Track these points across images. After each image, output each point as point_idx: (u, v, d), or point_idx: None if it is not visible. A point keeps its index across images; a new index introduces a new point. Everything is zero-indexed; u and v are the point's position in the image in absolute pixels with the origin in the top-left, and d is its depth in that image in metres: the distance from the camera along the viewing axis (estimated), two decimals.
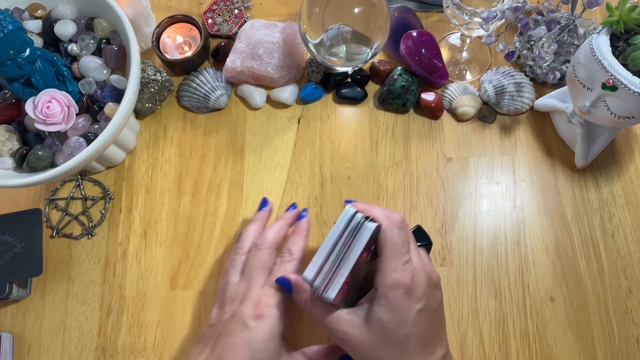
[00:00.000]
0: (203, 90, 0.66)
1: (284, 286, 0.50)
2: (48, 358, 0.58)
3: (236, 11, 0.71)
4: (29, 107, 0.55)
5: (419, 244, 0.50)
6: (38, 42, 0.60)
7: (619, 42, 0.50)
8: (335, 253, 0.45)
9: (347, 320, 0.46)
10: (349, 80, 0.67)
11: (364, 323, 0.45)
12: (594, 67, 0.50)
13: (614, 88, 0.49)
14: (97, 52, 0.61)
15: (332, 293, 0.44)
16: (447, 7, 0.58)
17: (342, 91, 0.66)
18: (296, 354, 0.50)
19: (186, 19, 0.68)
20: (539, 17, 0.60)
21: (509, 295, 0.57)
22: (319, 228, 0.61)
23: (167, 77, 0.66)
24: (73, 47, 0.61)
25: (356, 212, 0.46)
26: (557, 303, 0.56)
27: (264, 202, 0.60)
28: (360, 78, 0.66)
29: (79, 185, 0.65)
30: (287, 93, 0.66)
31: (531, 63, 0.63)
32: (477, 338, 0.55)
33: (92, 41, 0.61)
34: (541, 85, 0.65)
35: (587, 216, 0.59)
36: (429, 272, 0.46)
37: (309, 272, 0.45)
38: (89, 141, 0.57)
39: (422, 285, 0.45)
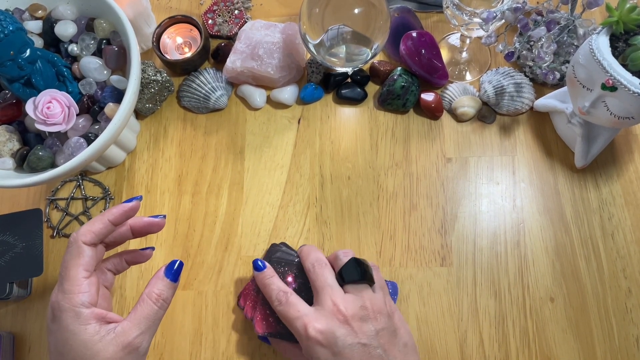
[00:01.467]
0: (203, 91, 0.66)
1: (266, 341, 0.55)
2: (48, 358, 0.58)
3: (236, 12, 0.71)
4: (29, 107, 0.55)
5: (346, 281, 0.49)
6: (38, 42, 0.60)
7: (619, 42, 0.50)
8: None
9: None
10: (349, 80, 0.67)
11: None
12: (594, 68, 0.50)
13: (613, 88, 0.49)
14: (98, 53, 0.61)
15: (254, 326, 0.53)
16: (447, 7, 0.58)
17: (342, 91, 0.66)
18: None
19: (186, 20, 0.68)
20: (539, 18, 0.60)
21: (509, 296, 0.57)
22: (319, 228, 0.61)
23: (168, 78, 0.66)
24: (73, 48, 0.61)
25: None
26: (557, 303, 0.56)
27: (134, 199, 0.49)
28: (360, 78, 0.66)
29: (79, 186, 0.65)
30: (287, 93, 0.66)
31: (531, 63, 0.63)
32: (477, 338, 0.55)
33: (92, 42, 0.61)
34: (541, 86, 0.65)
35: (587, 216, 0.59)
36: (348, 311, 0.46)
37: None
38: (89, 141, 0.57)
39: (332, 329, 0.46)
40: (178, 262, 0.46)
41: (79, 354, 0.41)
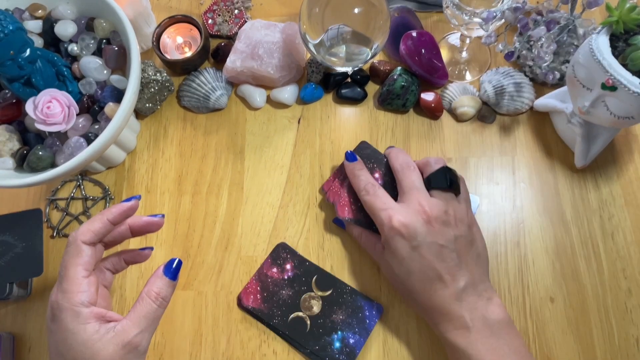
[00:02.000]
0: (203, 91, 0.66)
1: (339, 224, 0.60)
2: (48, 358, 0.58)
3: (236, 11, 0.71)
4: (29, 107, 0.55)
5: (434, 187, 0.53)
6: (38, 42, 0.60)
7: (619, 42, 0.50)
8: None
9: (375, 249, 0.55)
10: (349, 80, 0.67)
11: (381, 256, 0.54)
12: (594, 68, 0.50)
13: (613, 88, 0.49)
14: (98, 52, 0.61)
15: (336, 209, 0.58)
16: (447, 7, 0.58)
17: (342, 91, 0.66)
18: None
19: (186, 19, 0.68)
20: (539, 18, 0.60)
21: (509, 296, 0.57)
22: (319, 228, 0.61)
23: (168, 77, 0.66)
24: (73, 47, 0.61)
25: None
26: (557, 303, 0.56)
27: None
28: (360, 78, 0.66)
29: (79, 186, 0.65)
30: (287, 93, 0.66)
31: (531, 63, 0.63)
32: None
33: (92, 41, 0.61)
34: (541, 86, 0.65)
35: (587, 216, 0.59)
36: (432, 212, 0.50)
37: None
38: (89, 141, 0.57)
39: (414, 224, 0.50)
40: (177, 261, 0.46)
41: (78, 353, 0.41)
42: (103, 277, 0.49)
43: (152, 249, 0.52)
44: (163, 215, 0.49)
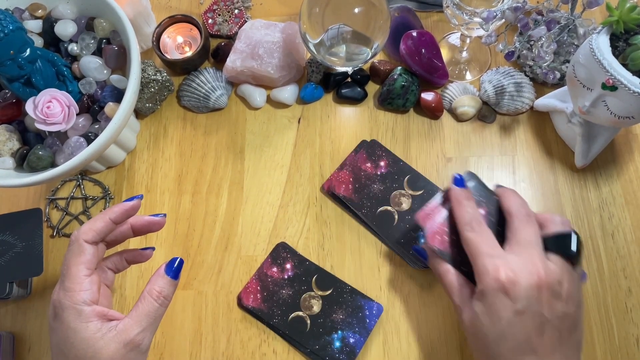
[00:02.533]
0: (203, 90, 0.66)
1: (420, 255, 0.52)
2: (48, 358, 0.58)
3: (236, 11, 0.71)
4: (29, 107, 0.55)
5: (553, 250, 0.45)
6: (38, 42, 0.60)
7: (619, 42, 0.50)
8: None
9: (459, 294, 0.47)
10: (349, 80, 0.67)
11: (467, 303, 0.46)
12: (594, 67, 0.50)
13: (613, 88, 0.49)
14: (98, 52, 0.61)
15: (425, 235, 0.49)
16: (447, 7, 0.58)
17: (342, 91, 0.66)
18: None
19: (186, 19, 0.68)
20: (539, 17, 0.60)
21: None
22: (319, 228, 0.61)
23: (167, 77, 0.66)
24: (73, 47, 0.61)
25: (461, 178, 0.51)
26: None
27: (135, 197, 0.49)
28: (360, 78, 0.66)
29: (79, 185, 0.65)
30: (287, 93, 0.66)
31: (531, 63, 0.63)
32: None
33: (92, 41, 0.61)
34: (541, 85, 0.65)
35: (587, 216, 0.59)
36: (547, 278, 0.43)
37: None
38: (89, 141, 0.57)
39: (523, 286, 0.42)
40: (178, 260, 0.46)
41: (80, 351, 0.41)
42: (105, 276, 0.49)
43: (153, 249, 0.52)
44: (165, 215, 0.49)
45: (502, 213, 0.49)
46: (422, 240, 0.50)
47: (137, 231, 0.49)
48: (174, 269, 0.45)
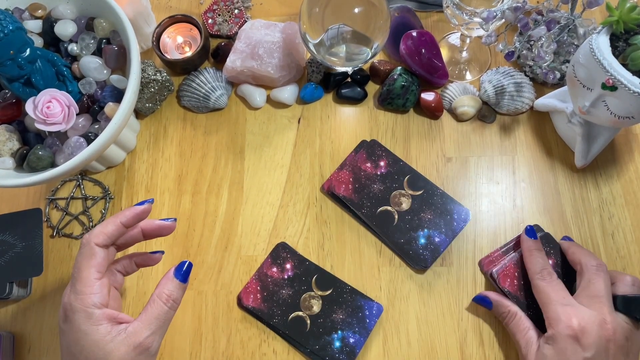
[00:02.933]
0: (203, 90, 0.66)
1: (483, 303, 0.55)
2: (48, 358, 0.58)
3: (236, 11, 0.71)
4: (29, 107, 0.55)
5: (621, 310, 0.49)
6: (38, 42, 0.60)
7: (619, 42, 0.50)
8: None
9: (526, 335, 0.51)
10: (349, 80, 0.67)
11: (536, 349, 0.49)
12: (594, 67, 0.50)
13: (613, 88, 0.49)
14: (98, 52, 0.61)
15: (495, 269, 0.54)
16: (447, 7, 0.58)
17: (342, 91, 0.66)
18: None
19: (186, 19, 0.68)
20: (539, 17, 0.60)
21: None
22: (319, 228, 0.61)
23: (167, 77, 0.66)
24: (73, 47, 0.61)
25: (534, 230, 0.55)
26: None
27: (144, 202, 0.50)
28: (360, 78, 0.66)
29: (79, 185, 0.65)
30: (287, 93, 0.66)
31: (531, 63, 0.63)
32: (477, 338, 0.55)
33: (92, 41, 0.61)
34: (541, 85, 0.65)
35: (587, 216, 0.59)
36: (615, 334, 0.46)
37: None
38: (89, 141, 0.57)
39: (593, 336, 0.46)
40: (187, 263, 0.46)
41: (91, 353, 0.41)
42: (114, 279, 0.49)
43: (162, 252, 0.52)
44: (175, 220, 0.50)
45: (568, 265, 0.54)
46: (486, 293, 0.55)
47: (148, 235, 0.50)
48: (183, 273, 0.46)
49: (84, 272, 0.43)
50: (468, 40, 0.66)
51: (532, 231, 0.55)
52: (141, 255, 0.52)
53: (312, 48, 0.60)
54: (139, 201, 0.63)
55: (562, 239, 0.57)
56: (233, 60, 0.65)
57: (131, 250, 0.58)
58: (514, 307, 0.53)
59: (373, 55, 0.61)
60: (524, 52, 0.60)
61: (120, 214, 0.46)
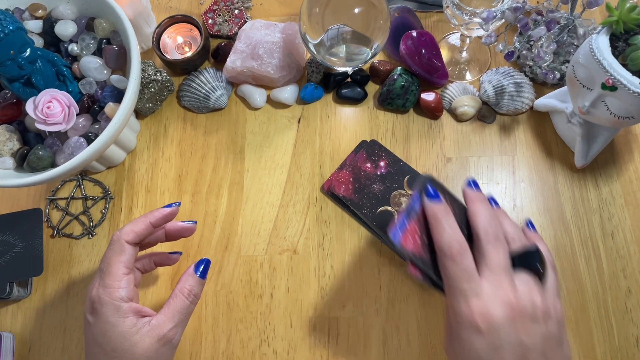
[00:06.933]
0: (203, 91, 0.66)
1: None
2: (48, 358, 0.58)
3: (236, 11, 0.71)
4: (29, 107, 0.55)
5: (520, 267, 0.43)
6: (38, 42, 0.60)
7: (619, 42, 0.50)
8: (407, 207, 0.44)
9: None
10: (349, 80, 0.67)
11: (448, 328, 0.43)
12: (594, 67, 0.50)
13: (613, 88, 0.49)
14: (98, 52, 0.61)
15: (396, 237, 0.42)
16: (447, 7, 0.58)
17: (342, 91, 0.66)
18: None
19: (186, 19, 0.68)
20: (539, 17, 0.60)
21: None
22: (319, 228, 0.61)
23: (168, 77, 0.66)
24: (73, 47, 0.61)
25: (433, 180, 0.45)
26: None
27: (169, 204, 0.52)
28: (360, 78, 0.66)
29: (79, 185, 0.65)
30: (287, 93, 0.66)
31: (531, 63, 0.63)
32: None
33: (92, 41, 0.61)
34: (541, 85, 0.65)
35: (587, 216, 0.59)
36: (519, 304, 0.41)
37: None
38: (89, 141, 0.57)
39: (497, 321, 0.40)
40: (206, 261, 0.49)
41: (117, 344, 0.44)
42: (134, 276, 0.51)
43: (180, 253, 0.56)
44: (195, 222, 0.53)
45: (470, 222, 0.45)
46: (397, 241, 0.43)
47: (171, 236, 0.53)
48: (202, 269, 0.49)
49: (114, 267, 0.46)
50: (468, 41, 0.66)
51: (434, 192, 0.44)
52: (160, 254, 0.55)
53: (312, 48, 0.61)
54: (141, 201, 0.63)
55: (467, 183, 0.46)
56: (233, 61, 0.65)
57: None
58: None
59: (373, 56, 0.61)
60: (524, 52, 0.60)
61: (149, 214, 0.50)
